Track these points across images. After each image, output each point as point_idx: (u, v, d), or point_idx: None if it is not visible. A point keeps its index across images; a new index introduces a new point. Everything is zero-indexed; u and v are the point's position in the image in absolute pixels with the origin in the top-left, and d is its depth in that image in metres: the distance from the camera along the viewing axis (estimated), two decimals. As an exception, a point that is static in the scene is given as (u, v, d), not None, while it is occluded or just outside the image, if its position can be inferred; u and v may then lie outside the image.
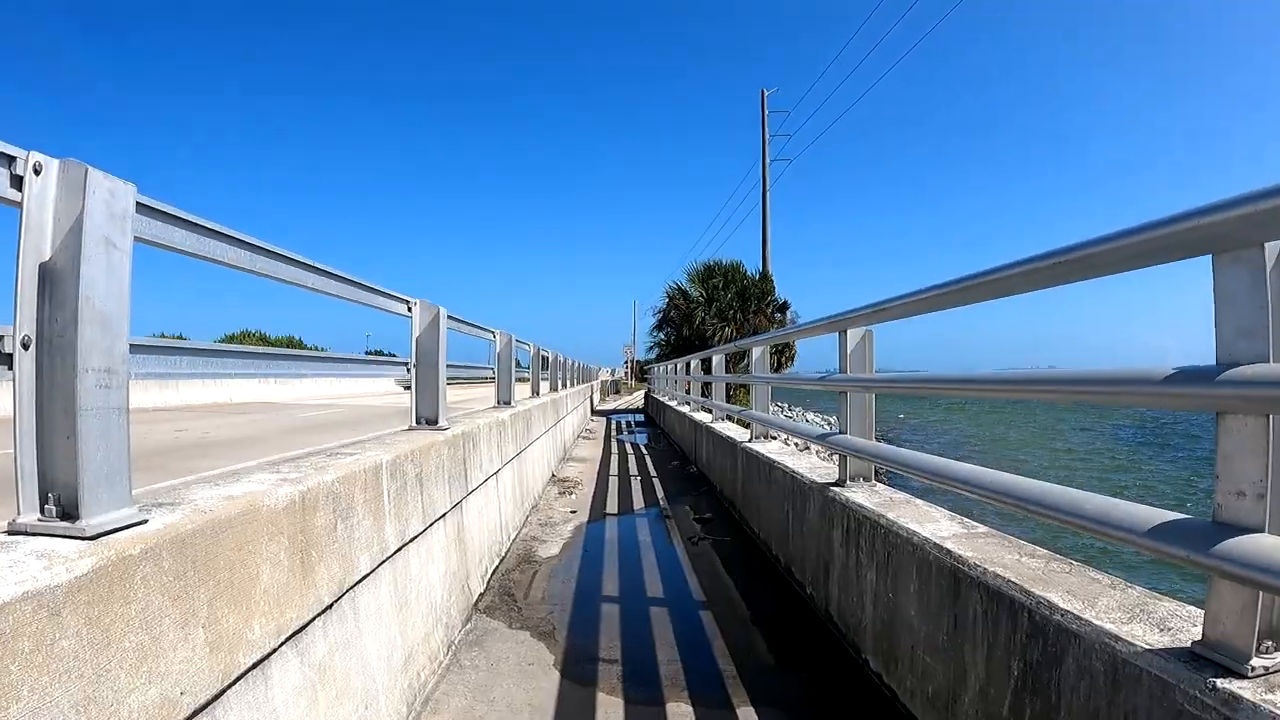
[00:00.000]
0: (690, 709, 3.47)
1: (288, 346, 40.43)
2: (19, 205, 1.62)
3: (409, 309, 4.40)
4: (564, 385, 15.93)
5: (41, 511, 1.64)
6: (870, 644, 3.69)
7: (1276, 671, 1.65)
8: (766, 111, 32.65)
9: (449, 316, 4.65)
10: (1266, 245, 1.64)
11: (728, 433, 9.04)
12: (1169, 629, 1.98)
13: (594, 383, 36.04)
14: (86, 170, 1.64)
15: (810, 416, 28.94)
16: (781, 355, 26.74)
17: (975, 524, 3.36)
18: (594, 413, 29.07)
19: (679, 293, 29.43)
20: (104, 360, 1.65)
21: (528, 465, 8.33)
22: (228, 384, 18.32)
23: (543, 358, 12.32)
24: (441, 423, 4.58)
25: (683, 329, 28.64)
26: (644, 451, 15.29)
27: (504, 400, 7.93)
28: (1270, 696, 1.55)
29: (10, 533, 1.61)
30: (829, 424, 23.19)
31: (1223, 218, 1.64)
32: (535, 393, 10.95)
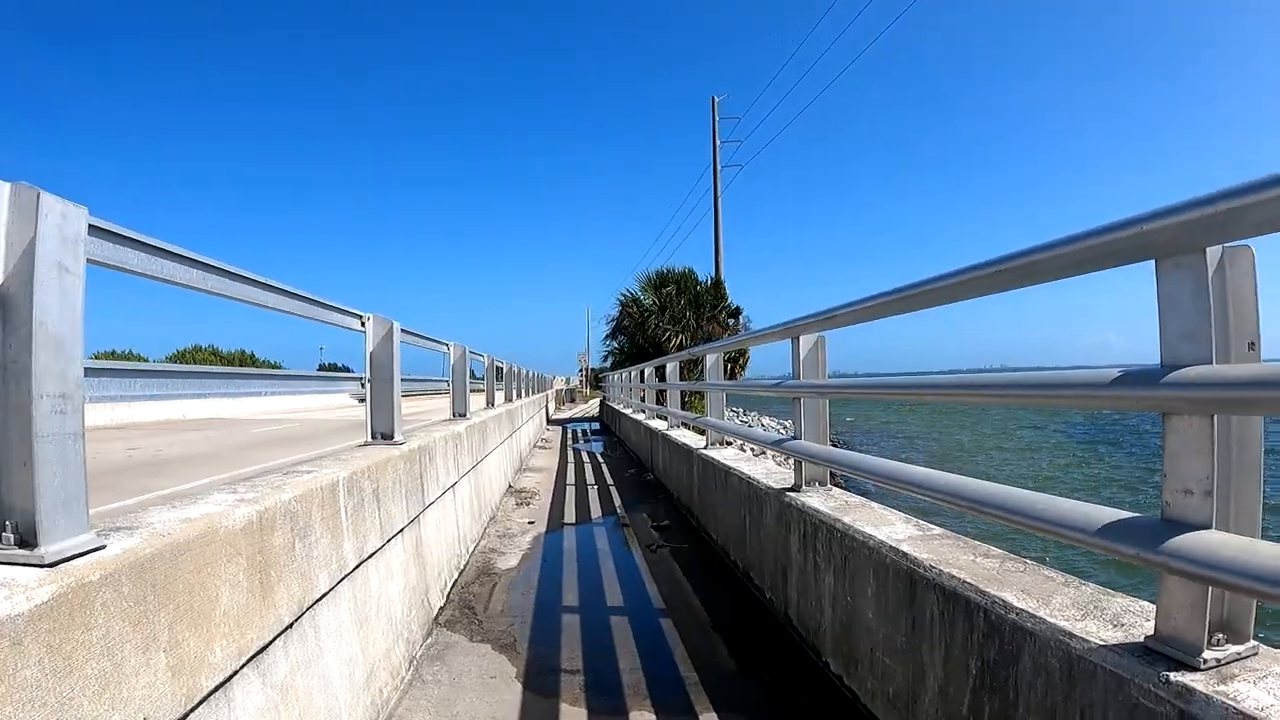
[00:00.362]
0: (653, 717, 3.50)
1: (240, 362, 39.65)
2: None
3: (362, 324, 4.37)
4: (519, 395, 15.86)
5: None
6: (830, 647, 3.75)
7: (1229, 663, 1.69)
8: (717, 118, 32.93)
9: (403, 330, 4.63)
10: (1208, 250, 1.69)
11: (683, 440, 9.11)
12: (1122, 624, 2.02)
13: (549, 392, 35.92)
14: (39, 194, 1.63)
15: (766, 421, 29.15)
16: (735, 362, 26.96)
17: (931, 526, 3.44)
18: (550, 422, 28.98)
19: (632, 300, 29.46)
20: (59, 386, 1.64)
21: (484, 477, 8.29)
22: (180, 401, 17.84)
23: (497, 368, 12.26)
24: (397, 437, 4.56)
25: (636, 337, 28.66)
26: (600, 460, 15.28)
27: (459, 412, 7.89)
28: (1222, 688, 1.59)
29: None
30: (784, 429, 23.36)
31: (1164, 224, 1.69)
32: (490, 404, 10.90)
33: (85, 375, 1.76)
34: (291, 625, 2.58)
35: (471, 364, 9.46)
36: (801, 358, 4.37)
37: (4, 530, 1.62)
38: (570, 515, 9.02)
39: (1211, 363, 1.67)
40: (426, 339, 6.23)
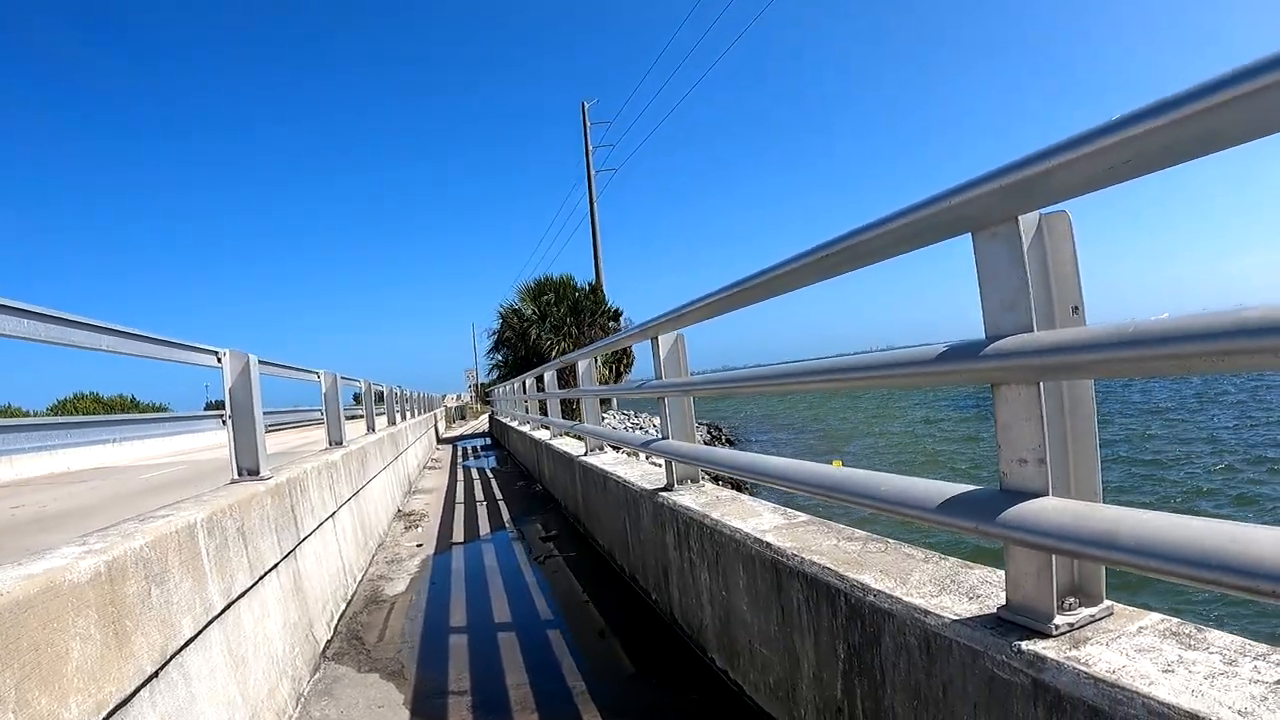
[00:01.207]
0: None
1: (122, 408, 37.36)
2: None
3: (218, 359, 4.26)
4: (404, 417, 15.56)
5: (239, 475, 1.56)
6: (714, 642, 3.80)
7: (1081, 626, 1.71)
8: (588, 123, 33.24)
9: (261, 361, 4.53)
10: (1021, 219, 1.71)
11: (565, 448, 9.21)
12: (978, 597, 2.05)
13: (438, 410, 35.28)
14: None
15: (657, 422, 29.50)
16: (620, 364, 27.23)
17: (797, 514, 3.53)
18: (440, 441, 28.45)
19: (512, 312, 29.37)
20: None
21: (368, 504, 8.14)
22: (64, 452, 16.68)
23: (377, 392, 12.01)
24: (264, 472, 4.46)
25: (519, 348, 28.58)
26: (490, 475, 15.16)
27: (335, 440, 7.71)
28: (1074, 653, 1.59)
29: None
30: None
31: (975, 194, 1.71)
32: (371, 429, 10.68)
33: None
34: (157, 674, 2.53)
35: (351, 390, 9.27)
36: (663, 357, 4.48)
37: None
38: (460, 534, 8.95)
39: (1034, 330, 1.69)
40: (292, 368, 6.10)
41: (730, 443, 29.41)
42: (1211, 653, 1.55)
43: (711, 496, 4.30)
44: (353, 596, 6.13)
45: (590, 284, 30.00)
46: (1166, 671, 1.49)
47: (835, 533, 3.09)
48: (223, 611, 3.25)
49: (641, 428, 24.63)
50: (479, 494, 12.43)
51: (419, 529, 9.40)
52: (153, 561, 2.64)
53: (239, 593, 3.49)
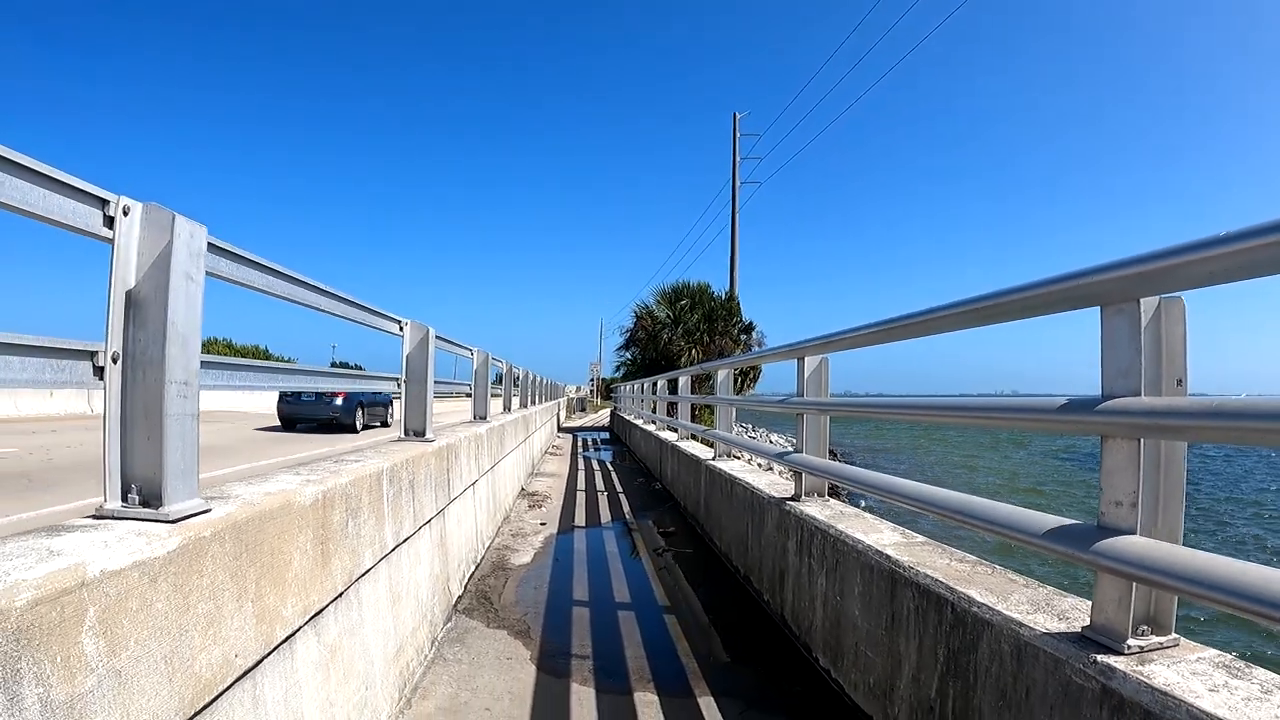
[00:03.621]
0: (655, 698, 3.82)
1: (255, 356, 40.16)
2: (110, 241, 1.95)
3: (400, 328, 4.72)
4: (533, 402, 16.22)
5: (124, 500, 1.96)
6: (820, 643, 4.06)
7: (1149, 650, 2.00)
8: (738, 135, 33.22)
9: (436, 336, 4.98)
10: (1142, 300, 2.01)
11: (692, 451, 9.42)
12: (1066, 618, 2.33)
13: (560, 400, 36.26)
14: (173, 215, 1.98)
15: (774, 438, 29.40)
16: (745, 377, 27.20)
17: (915, 535, 3.77)
18: (560, 429, 29.31)
19: (646, 313, 29.78)
20: (183, 375, 1.98)
21: (500, 478, 8.63)
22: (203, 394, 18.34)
23: (514, 375, 12.62)
24: (428, 435, 4.91)
25: (649, 349, 28.95)
26: (610, 468, 15.61)
27: (479, 415, 8.23)
28: (1139, 668, 1.90)
29: (97, 517, 1.93)
30: (790, 445, 23.48)
31: (1105, 277, 2.02)
32: (507, 408, 11.26)
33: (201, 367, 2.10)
34: (342, 594, 2.92)
35: (494, 370, 9.82)
36: (806, 376, 4.72)
37: (130, 492, 1.96)
38: (580, 518, 9.35)
39: (1141, 395, 1.98)
40: (455, 344, 6.58)
41: (843, 461, 29.03)
42: (1253, 683, 1.84)
43: (836, 510, 4.49)
44: (481, 561, 6.57)
45: (726, 293, 30.08)
46: (1212, 691, 1.79)
47: (948, 554, 3.34)
48: (391, 551, 3.65)
49: (756, 440, 24.55)
50: (599, 484, 12.85)
51: (542, 509, 9.85)
52: (351, 498, 3.04)
53: (404, 538, 3.90)
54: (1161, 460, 2.06)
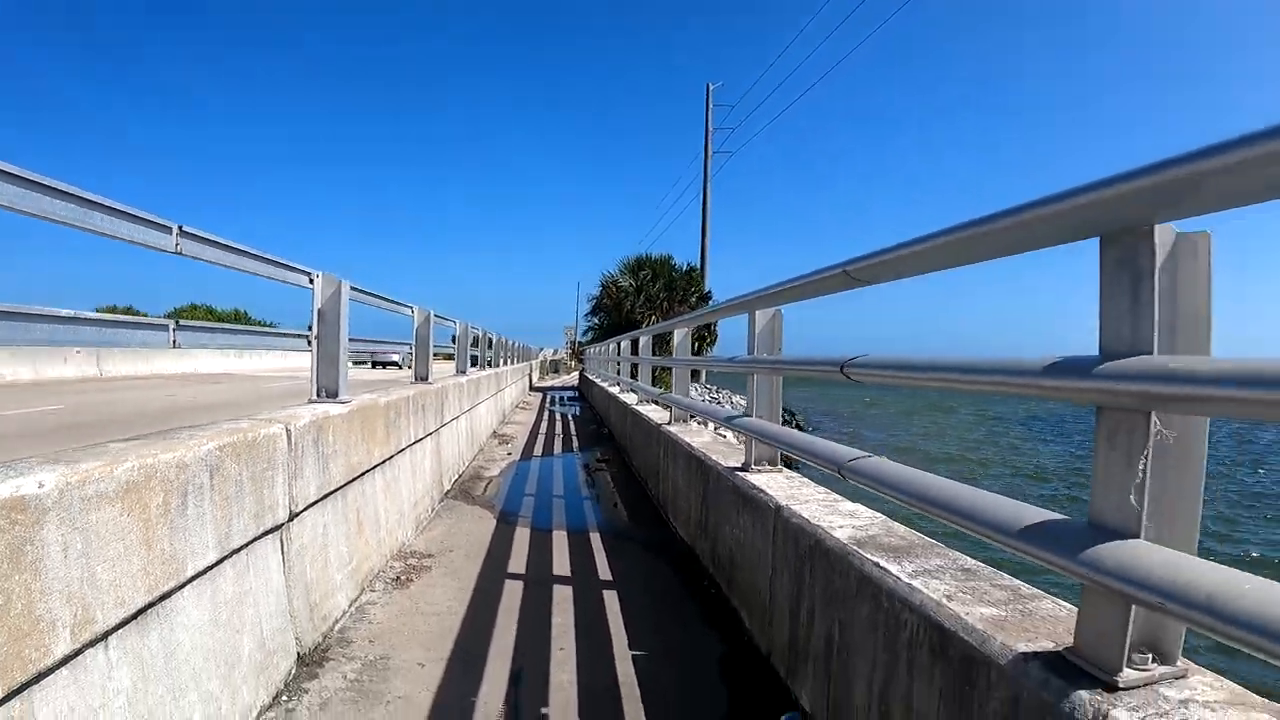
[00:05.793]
0: (565, 534, 6.61)
1: (238, 321, 41.82)
2: (311, 288, 4.65)
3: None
4: (505, 362, 18.91)
5: (318, 395, 4.69)
6: (669, 508, 6.82)
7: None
8: (711, 105, 34.87)
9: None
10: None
11: (647, 412, 9.84)
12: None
13: (533, 361, 38.37)
14: (340, 282, 4.69)
15: (736, 399, 29.07)
16: (703, 340, 29.41)
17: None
18: (532, 388, 31.89)
19: (612, 282, 32.18)
20: (341, 346, 4.71)
21: (476, 420, 11.39)
22: (189, 357, 20.33)
23: (488, 339, 15.23)
24: (430, 378, 7.66)
25: (614, 315, 31.37)
26: (569, 419, 18.43)
27: (460, 370, 10.95)
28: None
29: (312, 402, 4.63)
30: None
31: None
32: (481, 366, 13.94)
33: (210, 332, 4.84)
34: (392, 457, 5.66)
35: (472, 333, 12.34)
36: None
37: (323, 394, 4.70)
38: (539, 450, 12.20)
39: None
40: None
41: (800, 428, 30.61)
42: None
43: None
44: (463, 472, 9.37)
45: (689, 265, 32.45)
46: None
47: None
48: (415, 443, 6.43)
49: (719, 401, 26.68)
50: (558, 430, 15.69)
51: (509, 445, 12.65)
52: (400, 407, 5.82)
53: (418, 438, 6.67)
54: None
